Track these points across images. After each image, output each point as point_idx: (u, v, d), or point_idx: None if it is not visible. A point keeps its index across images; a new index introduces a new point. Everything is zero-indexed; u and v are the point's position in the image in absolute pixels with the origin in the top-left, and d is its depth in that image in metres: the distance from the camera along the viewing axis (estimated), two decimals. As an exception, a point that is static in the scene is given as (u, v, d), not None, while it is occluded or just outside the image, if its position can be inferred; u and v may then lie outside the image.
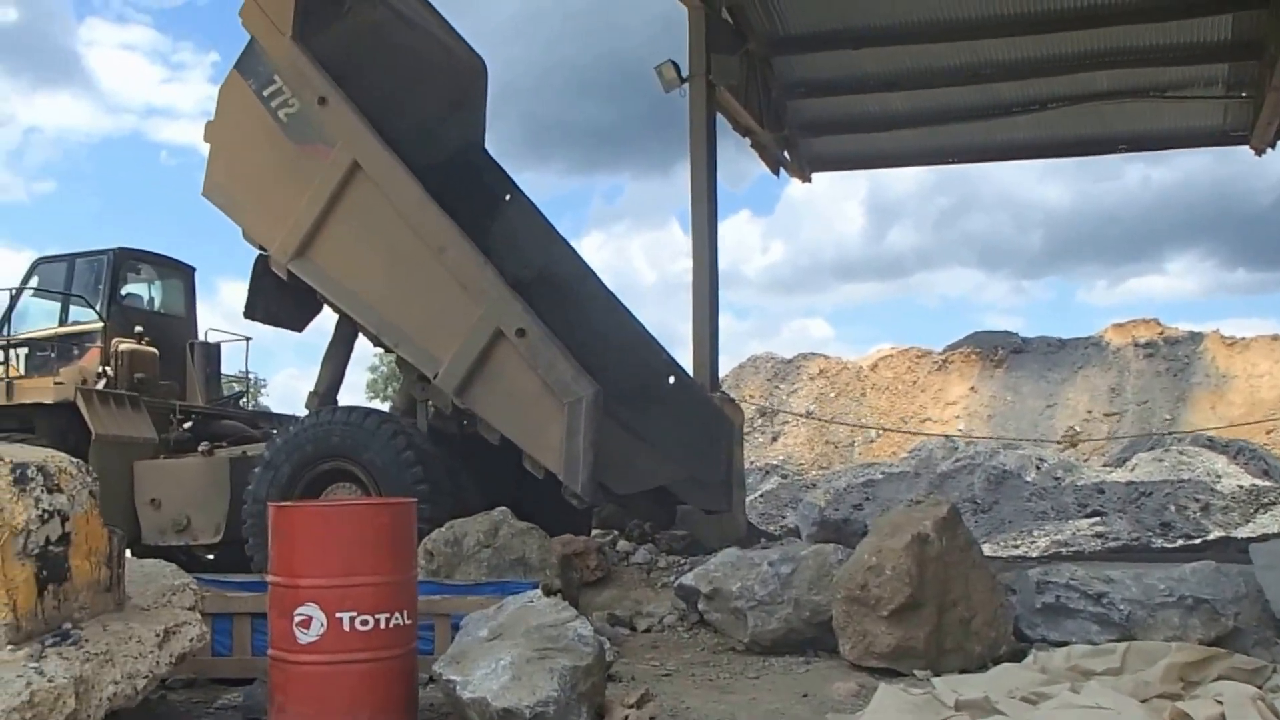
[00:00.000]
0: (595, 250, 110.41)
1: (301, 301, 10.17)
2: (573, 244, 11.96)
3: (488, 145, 11.86)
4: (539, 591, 5.73)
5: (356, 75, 9.98)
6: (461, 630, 5.45)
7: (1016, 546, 16.55)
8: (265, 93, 9.52)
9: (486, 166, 11.59)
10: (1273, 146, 16.24)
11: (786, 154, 17.17)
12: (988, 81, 15.81)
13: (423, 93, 11.00)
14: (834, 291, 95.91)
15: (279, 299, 10.13)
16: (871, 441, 31.70)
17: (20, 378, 11.89)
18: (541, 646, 5.09)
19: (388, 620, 5.13)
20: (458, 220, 9.50)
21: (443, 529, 7.90)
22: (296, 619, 5.08)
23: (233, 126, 9.81)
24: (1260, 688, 5.20)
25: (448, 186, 10.18)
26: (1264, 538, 11.94)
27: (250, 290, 10.09)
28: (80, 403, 10.94)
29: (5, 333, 12.47)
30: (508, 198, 11.52)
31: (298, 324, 10.59)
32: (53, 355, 12.18)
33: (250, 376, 15.05)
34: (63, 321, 12.46)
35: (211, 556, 11.26)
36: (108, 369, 11.80)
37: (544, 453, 9.01)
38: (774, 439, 32.44)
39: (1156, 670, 5.02)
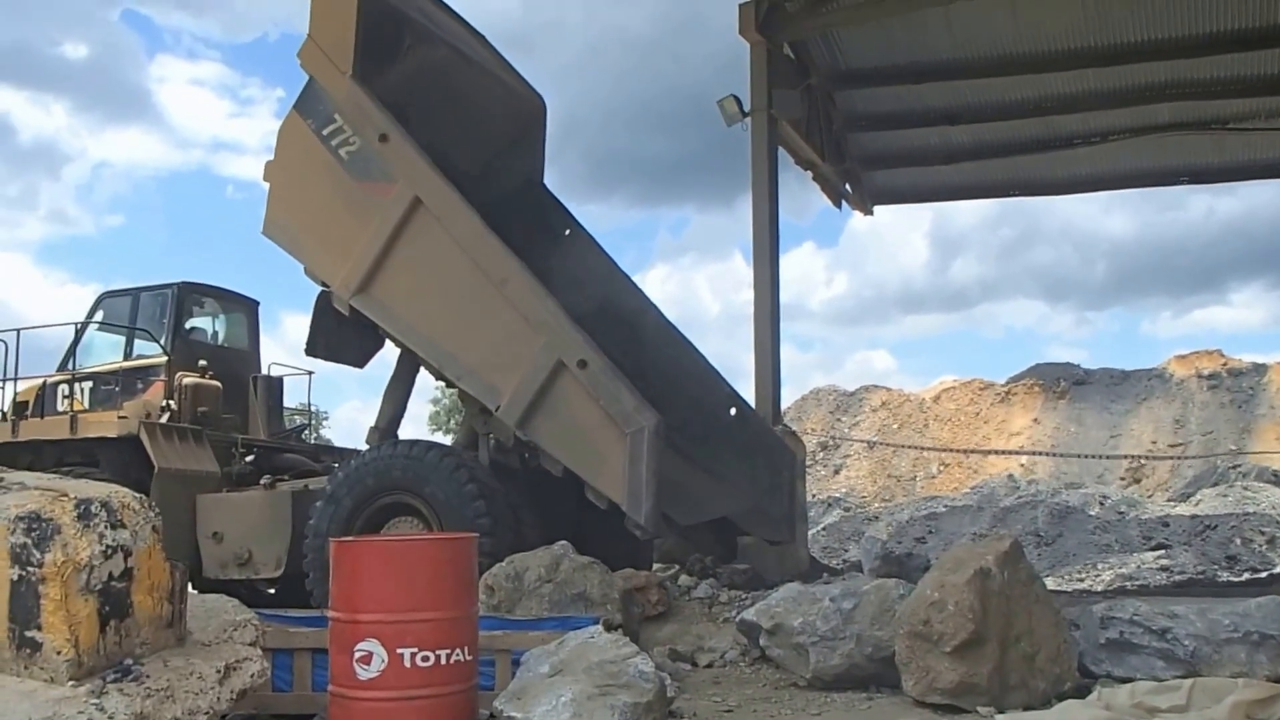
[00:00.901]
0: (660, 283, 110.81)
1: (363, 337, 10.26)
2: (636, 277, 12.05)
3: (550, 179, 11.98)
4: (600, 627, 5.74)
5: (417, 113, 10.11)
6: (522, 666, 5.47)
7: (1081, 580, 16.38)
8: (325, 131, 9.65)
9: (547, 202, 11.69)
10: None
11: (848, 187, 17.23)
12: (1049, 114, 15.86)
13: (483, 130, 11.13)
14: (897, 323, 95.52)
15: (340, 335, 10.22)
16: (934, 477, 31.47)
17: (85, 411, 12.04)
18: (603, 683, 5.09)
19: (449, 656, 5.17)
20: (519, 256, 9.57)
21: (503, 564, 7.91)
22: (357, 655, 5.12)
23: (293, 165, 9.94)
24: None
25: (508, 222, 10.28)
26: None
27: (312, 327, 10.20)
28: (144, 436, 11.07)
29: (71, 367, 12.65)
30: (568, 232, 11.60)
31: (359, 360, 10.68)
32: (117, 389, 12.31)
33: (313, 410, 15.20)
34: (127, 355, 12.59)
35: (273, 591, 11.33)
36: (171, 403, 11.94)
37: (607, 483, 9.02)
38: (836, 471, 32.32)
39: (1224, 708, 4.95)
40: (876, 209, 18.57)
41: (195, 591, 10.58)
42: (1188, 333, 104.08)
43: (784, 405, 31.94)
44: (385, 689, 5.08)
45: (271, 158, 10.08)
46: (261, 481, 11.50)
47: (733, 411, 11.65)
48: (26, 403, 12.63)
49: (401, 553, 5.55)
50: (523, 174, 11.50)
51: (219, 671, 5.08)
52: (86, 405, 12.32)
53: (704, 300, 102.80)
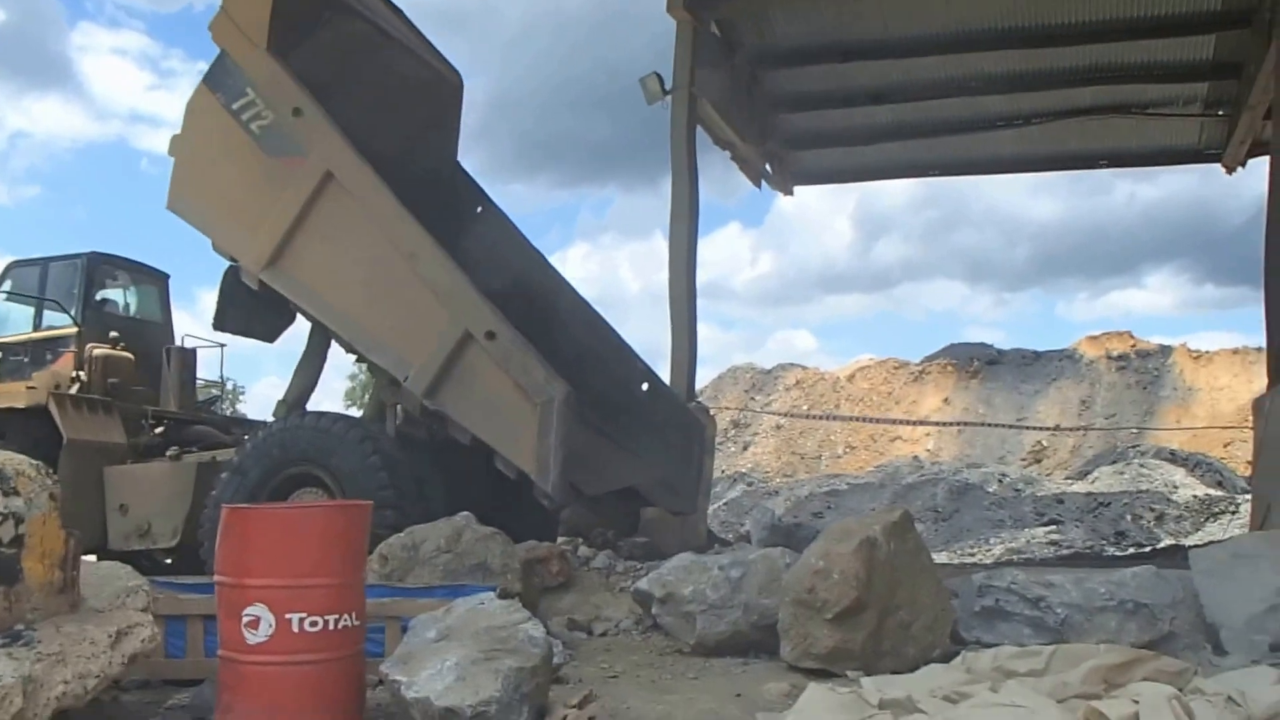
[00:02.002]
0: (582, 261, 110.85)
1: (273, 312, 10.32)
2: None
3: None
4: (492, 594, 5.87)
5: (332, 87, 10.13)
6: (410, 632, 5.59)
7: (972, 554, 16.80)
8: (235, 106, 9.66)
9: (461, 181, 11.76)
10: (1243, 165, 16.45)
11: (769, 167, 17.26)
12: (974, 95, 15.91)
13: (399, 107, 11.17)
14: (820, 304, 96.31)
15: (250, 310, 10.28)
16: (839, 456, 31.88)
17: (-8, 382, 11.97)
18: (490, 648, 5.24)
19: (337, 621, 5.27)
20: (432, 232, 9.67)
21: (401, 534, 8.01)
22: (245, 619, 5.21)
23: (201, 140, 9.94)
24: (1182, 690, 5.38)
25: (422, 199, 10.33)
26: (1207, 544, 12.18)
27: (220, 302, 10.25)
28: (53, 407, 11.06)
29: None
30: (480, 210, 11.69)
31: (270, 335, 10.73)
32: (26, 360, 12.26)
33: (229, 384, 15.15)
34: (37, 326, 12.52)
35: (169, 561, 11.32)
36: (81, 374, 11.89)
37: (516, 453, 9.19)
38: (745, 448, 32.64)
39: (1080, 672, 5.14)
40: (800, 190, 18.61)
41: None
42: (1101, 315, 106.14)
43: (702, 383, 32.18)
44: (273, 653, 5.18)
45: (178, 132, 10.07)
46: (168, 453, 11.50)
47: (645, 386, 11.84)
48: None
49: (291, 519, 5.68)
50: (438, 152, 11.56)
51: (111, 636, 5.16)
52: None
53: (625, 279, 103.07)
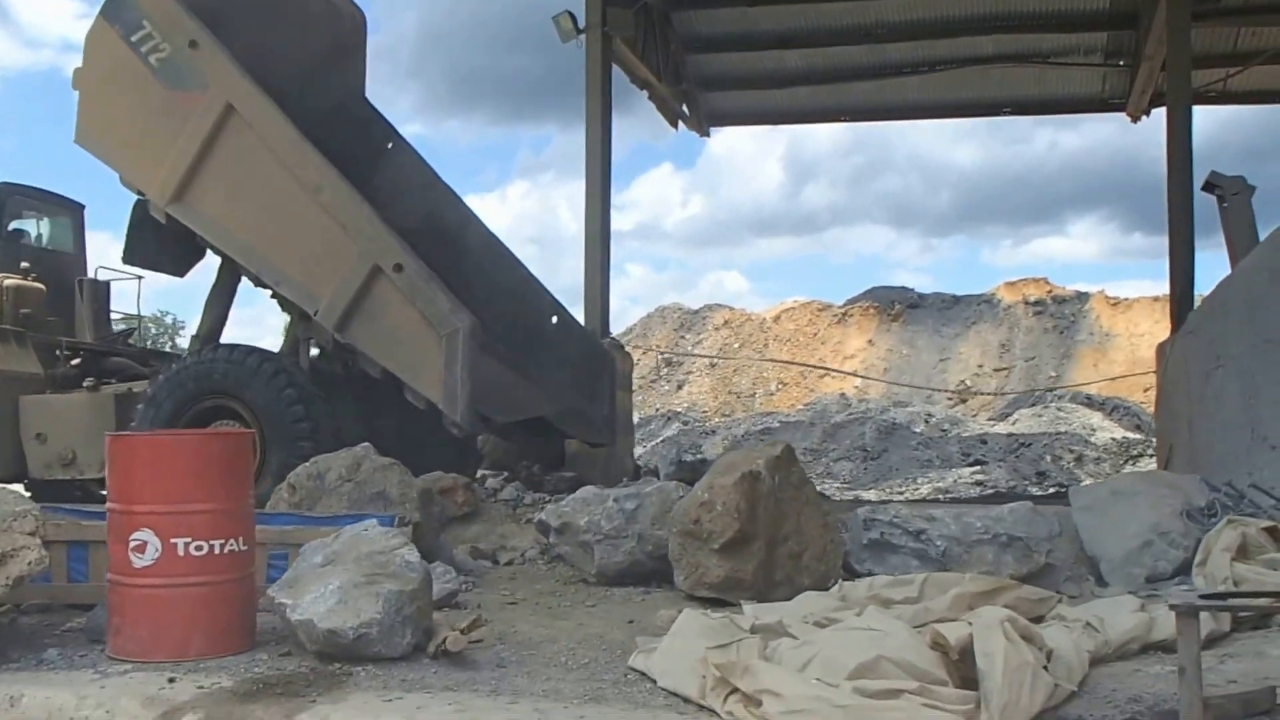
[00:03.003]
0: (520, 199, 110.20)
1: (183, 246, 10.31)
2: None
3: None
4: (374, 521, 6.00)
5: (230, 21, 10.09)
6: (299, 557, 5.70)
7: (901, 492, 17.12)
8: (134, 38, 9.62)
9: (369, 116, 11.72)
10: (1147, 114, 16.75)
11: (685, 108, 17.38)
12: (880, 41, 16.15)
13: (300, 41, 11.07)
14: (750, 246, 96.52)
15: (159, 244, 10.28)
16: (772, 394, 32.24)
17: (-98, 314, 11.84)
18: (371, 572, 5.36)
19: (222, 546, 5.41)
20: (340, 168, 9.68)
21: (306, 464, 8.11)
22: (132, 544, 5.34)
23: (102, 73, 9.90)
24: (1044, 617, 5.64)
25: (329, 135, 10.33)
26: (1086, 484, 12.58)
27: (128, 235, 10.24)
28: None
29: None
30: (390, 145, 11.68)
31: (179, 269, 10.73)
32: None
33: (167, 316, 15.01)
34: None
35: (106, 491, 11.34)
36: (-7, 304, 11.80)
37: (424, 384, 9.33)
38: (679, 387, 32.90)
39: (946, 599, 5.37)
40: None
41: (22, 490, 10.66)
42: (1026, 261, 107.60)
43: (630, 323, 32.06)
44: (160, 576, 5.30)
45: (80, 65, 9.98)
46: (84, 384, 11.47)
47: (554, 320, 11.97)
48: None
49: (172, 446, 5.77)
50: (343, 87, 11.49)
51: (-5, 559, 5.27)
52: None
53: (563, 218, 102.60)
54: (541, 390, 11.28)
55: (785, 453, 7.20)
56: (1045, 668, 4.34)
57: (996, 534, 7.21)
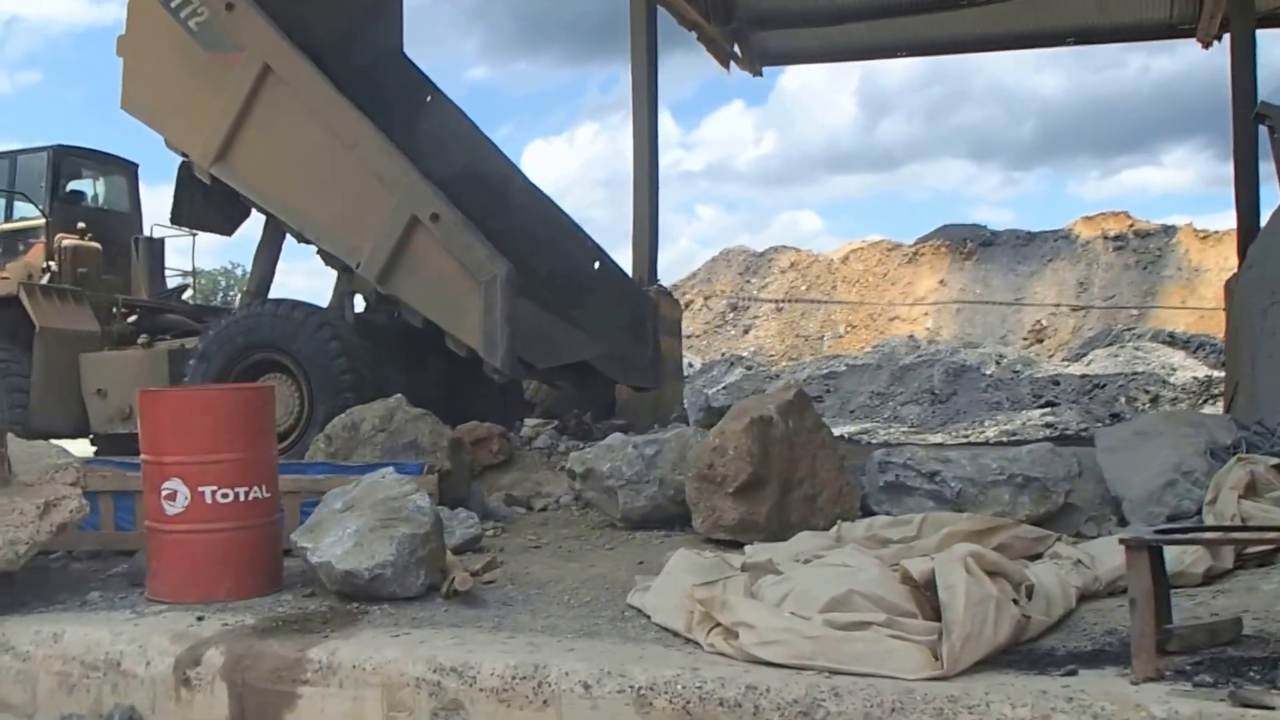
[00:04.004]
0: (590, 141, 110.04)
1: (228, 205, 10.65)
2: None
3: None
4: (391, 469, 6.27)
5: None
6: (321, 503, 5.99)
7: (967, 435, 17.11)
8: (173, 4, 9.94)
9: (407, 71, 11.97)
10: (1218, 39, 16.32)
11: (737, 48, 17.32)
12: (935, -27, 15.87)
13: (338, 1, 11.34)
14: (824, 184, 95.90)
15: (205, 204, 10.64)
16: (840, 336, 32.17)
17: (-32, 273, 12.36)
18: (385, 517, 5.63)
19: (247, 493, 5.72)
20: (381, 124, 9.92)
21: (342, 415, 8.40)
22: (164, 493, 5.67)
23: (144, 39, 10.23)
24: (1041, 555, 5.76)
25: (366, 90, 10.58)
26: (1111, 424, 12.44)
27: (175, 197, 10.61)
28: (23, 296, 11.43)
29: None
30: (429, 99, 11.91)
31: (226, 228, 11.11)
32: (1, 251, 12.61)
33: (235, 269, 15.30)
34: (8, 218, 12.89)
35: None
36: (51, 264, 12.26)
37: (464, 331, 9.60)
38: (745, 331, 32.94)
39: (937, 538, 5.48)
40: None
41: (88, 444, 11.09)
42: (1114, 194, 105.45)
43: (694, 267, 32.01)
44: (189, 522, 5.62)
45: (123, 33, 10.30)
46: (139, 340, 11.89)
47: (596, 265, 12.18)
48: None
49: (196, 401, 6.12)
50: (382, 43, 11.75)
51: (39, 508, 5.62)
52: None
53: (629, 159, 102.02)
54: (582, 334, 11.50)
55: (798, 397, 7.34)
56: (1016, 601, 4.47)
57: (1012, 475, 7.24)
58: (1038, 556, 5.72)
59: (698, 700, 4.09)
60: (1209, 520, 6.52)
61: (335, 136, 9.69)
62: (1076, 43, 18.48)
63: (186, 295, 14.10)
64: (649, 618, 5.05)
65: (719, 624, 4.55)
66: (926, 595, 4.40)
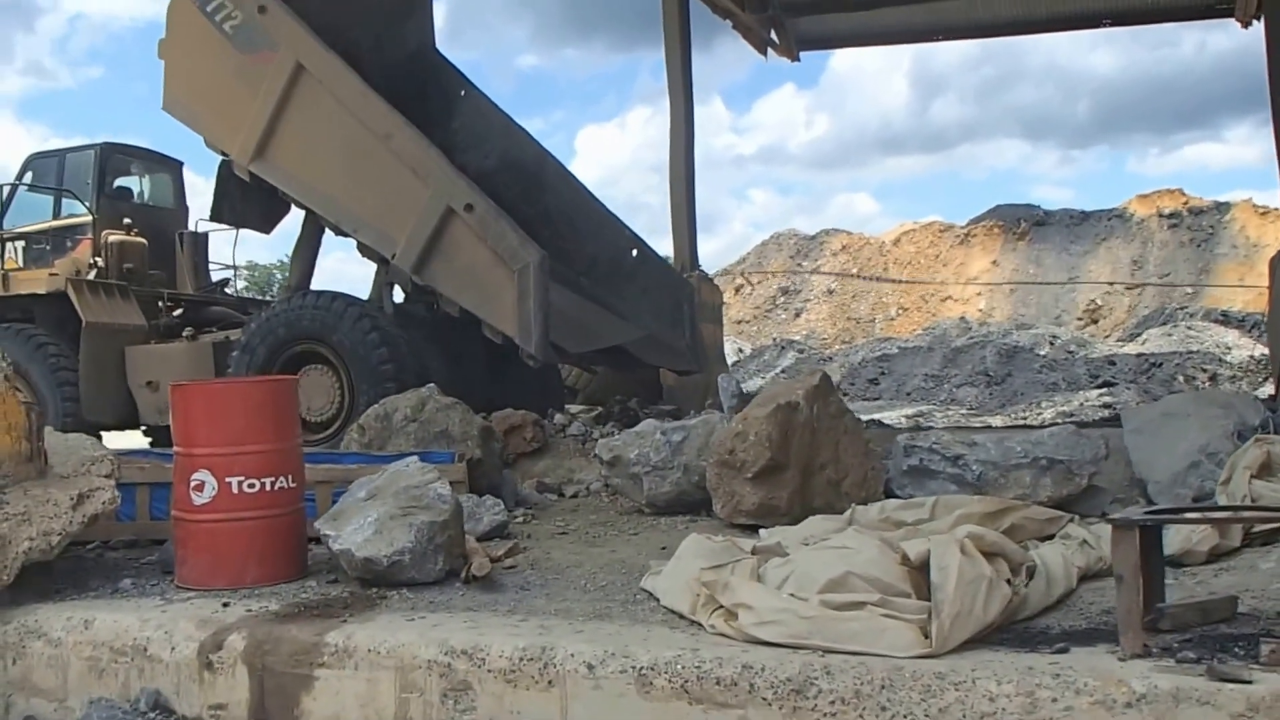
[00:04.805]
0: (642, 126, 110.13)
1: (267, 202, 10.86)
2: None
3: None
4: (414, 458, 6.41)
5: None
6: (347, 492, 6.16)
7: (1024, 417, 16.98)
8: (209, 8, 10.16)
9: (440, 66, 12.14)
10: (1257, 19, 16.10)
11: (773, 34, 17.30)
12: (969, -43, 15.79)
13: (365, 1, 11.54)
14: (878, 166, 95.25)
15: (244, 201, 10.86)
16: (893, 319, 32.05)
17: (18, 270, 12.69)
18: (406, 505, 5.78)
19: (273, 484, 5.89)
20: (416, 119, 10.09)
21: (375, 406, 8.58)
22: (193, 483, 5.85)
23: (183, 42, 10.45)
24: (1053, 536, 5.81)
25: (401, 86, 10.77)
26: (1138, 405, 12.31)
27: (215, 195, 10.84)
28: (70, 292, 11.71)
29: (2, 227, 13.15)
30: (463, 93, 12.08)
31: (265, 225, 11.36)
32: (48, 248, 12.90)
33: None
34: (56, 215, 13.11)
35: None
36: (98, 260, 12.50)
37: (499, 319, 9.72)
38: (796, 315, 32.92)
39: (948, 520, 5.54)
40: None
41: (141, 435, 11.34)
42: (1176, 170, 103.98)
43: (744, 250, 31.93)
44: (217, 512, 5.80)
45: (163, 36, 10.54)
46: (184, 333, 12.15)
47: (634, 253, 12.31)
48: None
49: (223, 394, 6.29)
50: (414, 40, 11.92)
51: (73, 499, 5.81)
52: (21, 264, 12.88)
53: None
54: (616, 319, 11.62)
55: (823, 382, 7.41)
56: (1009, 581, 4.53)
57: (1036, 457, 7.26)
58: (1050, 538, 5.77)
59: (695, 679, 4.20)
60: (1221, 500, 6.53)
61: (368, 130, 9.85)
62: (1114, 24, 18.24)
63: (229, 289, 14.34)
64: (659, 600, 5.17)
65: (721, 606, 4.66)
66: (923, 576, 4.48)
